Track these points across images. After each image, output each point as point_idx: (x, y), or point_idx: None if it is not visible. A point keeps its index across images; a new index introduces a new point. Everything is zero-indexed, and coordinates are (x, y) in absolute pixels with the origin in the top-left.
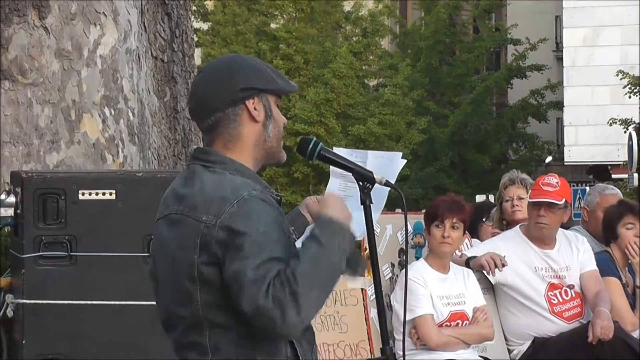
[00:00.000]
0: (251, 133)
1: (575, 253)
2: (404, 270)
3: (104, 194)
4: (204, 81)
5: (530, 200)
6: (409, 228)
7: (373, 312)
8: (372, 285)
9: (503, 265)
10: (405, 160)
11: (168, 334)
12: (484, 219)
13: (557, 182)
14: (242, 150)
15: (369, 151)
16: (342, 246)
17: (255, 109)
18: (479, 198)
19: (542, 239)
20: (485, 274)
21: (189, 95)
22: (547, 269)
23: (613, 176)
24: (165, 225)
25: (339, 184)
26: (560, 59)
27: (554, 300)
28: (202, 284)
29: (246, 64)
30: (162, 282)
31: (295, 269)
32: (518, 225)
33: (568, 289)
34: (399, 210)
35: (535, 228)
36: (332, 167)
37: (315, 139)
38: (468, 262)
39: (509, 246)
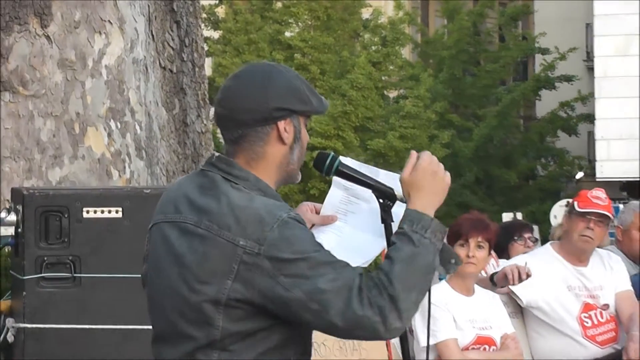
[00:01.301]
0: (277, 154)
1: (609, 272)
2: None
3: (109, 211)
4: (237, 90)
5: (580, 209)
6: None
7: (395, 338)
8: None
9: (528, 276)
10: None
11: (162, 348)
12: (515, 238)
13: (605, 197)
14: (265, 170)
15: (381, 170)
16: (434, 241)
17: (285, 130)
18: (506, 216)
19: (579, 255)
20: (514, 295)
21: (218, 97)
22: (580, 287)
23: None
24: (175, 232)
25: (341, 196)
26: (591, 69)
27: (587, 323)
28: (228, 309)
29: (284, 79)
30: (163, 292)
31: (390, 272)
32: (549, 243)
33: (603, 311)
34: None
35: (579, 241)
36: (334, 177)
37: (332, 153)
38: (492, 278)
39: (539, 263)
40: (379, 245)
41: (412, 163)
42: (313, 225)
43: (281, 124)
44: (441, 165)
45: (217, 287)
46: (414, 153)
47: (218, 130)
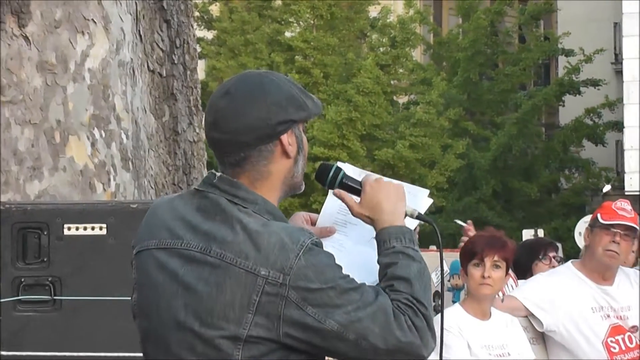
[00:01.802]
0: (281, 170)
1: (636, 290)
2: (438, 317)
3: (93, 228)
4: (234, 110)
5: (604, 222)
6: (445, 268)
7: None
8: None
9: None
10: (432, 200)
11: None
12: (539, 257)
13: (630, 209)
14: (270, 189)
15: (385, 178)
16: (419, 253)
17: (289, 143)
18: (526, 233)
19: (604, 272)
20: (532, 319)
21: (209, 119)
22: (607, 308)
23: None
24: (176, 260)
25: (339, 206)
26: (619, 73)
27: (615, 348)
28: (248, 345)
29: (279, 89)
30: (166, 325)
31: (414, 292)
32: (570, 261)
33: (632, 336)
34: (433, 247)
35: (604, 257)
36: (340, 164)
37: (336, 165)
38: None
39: (560, 283)
40: None
41: (351, 202)
42: None
43: (285, 138)
44: (375, 175)
45: (235, 322)
46: (343, 194)
47: None
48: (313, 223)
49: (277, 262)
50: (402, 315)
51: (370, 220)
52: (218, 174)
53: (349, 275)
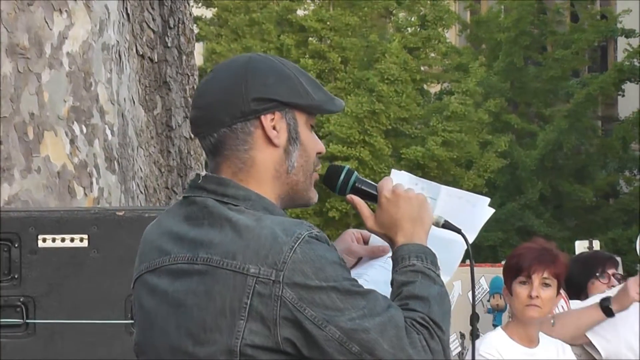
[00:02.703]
0: (268, 160)
1: None
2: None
3: (72, 240)
4: (211, 84)
5: None
6: (484, 285)
7: None
8: None
9: None
10: (493, 210)
11: None
12: (597, 274)
13: None
14: (258, 182)
15: (443, 186)
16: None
17: (274, 128)
18: (579, 245)
19: None
20: (589, 348)
21: (192, 101)
22: None
23: None
24: (165, 279)
25: (409, 178)
26: None
27: None
28: (245, 358)
29: (269, 67)
30: (162, 354)
31: (431, 312)
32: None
33: None
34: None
35: None
36: (394, 171)
37: (347, 167)
38: (606, 307)
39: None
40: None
41: (365, 213)
42: (360, 258)
43: (266, 119)
44: (403, 186)
45: (228, 332)
46: (358, 201)
47: None
48: (365, 241)
49: (268, 257)
50: (416, 333)
51: (386, 238)
52: (203, 173)
53: (356, 280)
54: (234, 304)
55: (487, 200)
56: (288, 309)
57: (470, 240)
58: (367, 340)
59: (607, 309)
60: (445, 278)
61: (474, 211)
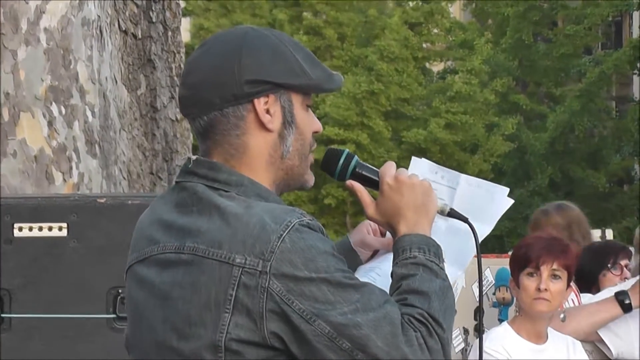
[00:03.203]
0: (262, 145)
1: None
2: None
3: (50, 228)
4: (202, 60)
5: None
6: (490, 278)
7: None
8: None
9: None
10: (513, 201)
11: None
12: (609, 265)
13: None
14: (252, 168)
15: (463, 175)
16: (445, 272)
17: (267, 112)
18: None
19: None
20: (600, 345)
21: (180, 78)
22: None
23: None
24: (153, 269)
25: (429, 166)
26: None
27: None
28: (230, 355)
29: (264, 44)
30: (148, 350)
31: (430, 308)
32: None
33: None
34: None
35: None
36: (414, 159)
37: (347, 151)
38: (623, 301)
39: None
40: (453, 278)
41: (366, 200)
42: (376, 251)
43: (259, 103)
44: (406, 172)
45: (212, 326)
46: (359, 189)
47: None
48: (382, 234)
49: (255, 247)
50: (412, 331)
51: (388, 227)
52: (194, 157)
53: (351, 271)
54: (219, 297)
55: (506, 190)
56: (275, 301)
57: (488, 231)
58: (359, 337)
59: (625, 304)
60: (457, 272)
61: (492, 201)
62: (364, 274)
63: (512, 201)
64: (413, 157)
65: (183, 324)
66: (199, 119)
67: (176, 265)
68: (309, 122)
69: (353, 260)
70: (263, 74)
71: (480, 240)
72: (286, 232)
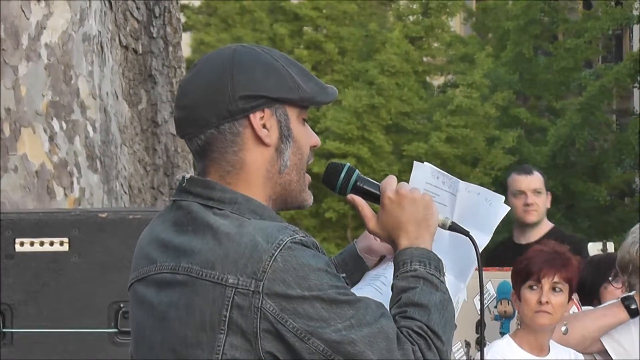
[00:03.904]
0: (259, 160)
1: None
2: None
3: (52, 243)
4: (194, 81)
5: None
6: (491, 291)
7: None
8: None
9: None
10: (509, 208)
11: None
12: (610, 279)
13: None
14: (248, 184)
15: (461, 181)
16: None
17: (264, 126)
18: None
19: None
20: (602, 356)
21: (175, 100)
22: None
23: None
24: (152, 289)
25: (430, 171)
26: None
27: None
28: None
29: (255, 59)
30: None
31: (430, 321)
32: None
33: None
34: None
35: None
36: (416, 163)
37: (348, 165)
38: (629, 306)
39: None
40: (457, 290)
41: (367, 214)
42: (382, 257)
43: (255, 118)
44: (407, 186)
45: (208, 348)
46: (360, 202)
47: None
48: None
49: (247, 267)
50: (410, 344)
51: (389, 241)
52: (188, 175)
53: (346, 287)
54: (214, 318)
55: (502, 198)
56: (269, 321)
57: (486, 241)
58: (354, 353)
59: (631, 309)
60: (461, 285)
61: (489, 209)
62: (369, 282)
63: (508, 208)
64: (415, 162)
65: (180, 345)
66: (196, 139)
67: (172, 286)
68: (306, 136)
69: (359, 266)
70: (257, 88)
71: (480, 249)
72: (278, 250)
